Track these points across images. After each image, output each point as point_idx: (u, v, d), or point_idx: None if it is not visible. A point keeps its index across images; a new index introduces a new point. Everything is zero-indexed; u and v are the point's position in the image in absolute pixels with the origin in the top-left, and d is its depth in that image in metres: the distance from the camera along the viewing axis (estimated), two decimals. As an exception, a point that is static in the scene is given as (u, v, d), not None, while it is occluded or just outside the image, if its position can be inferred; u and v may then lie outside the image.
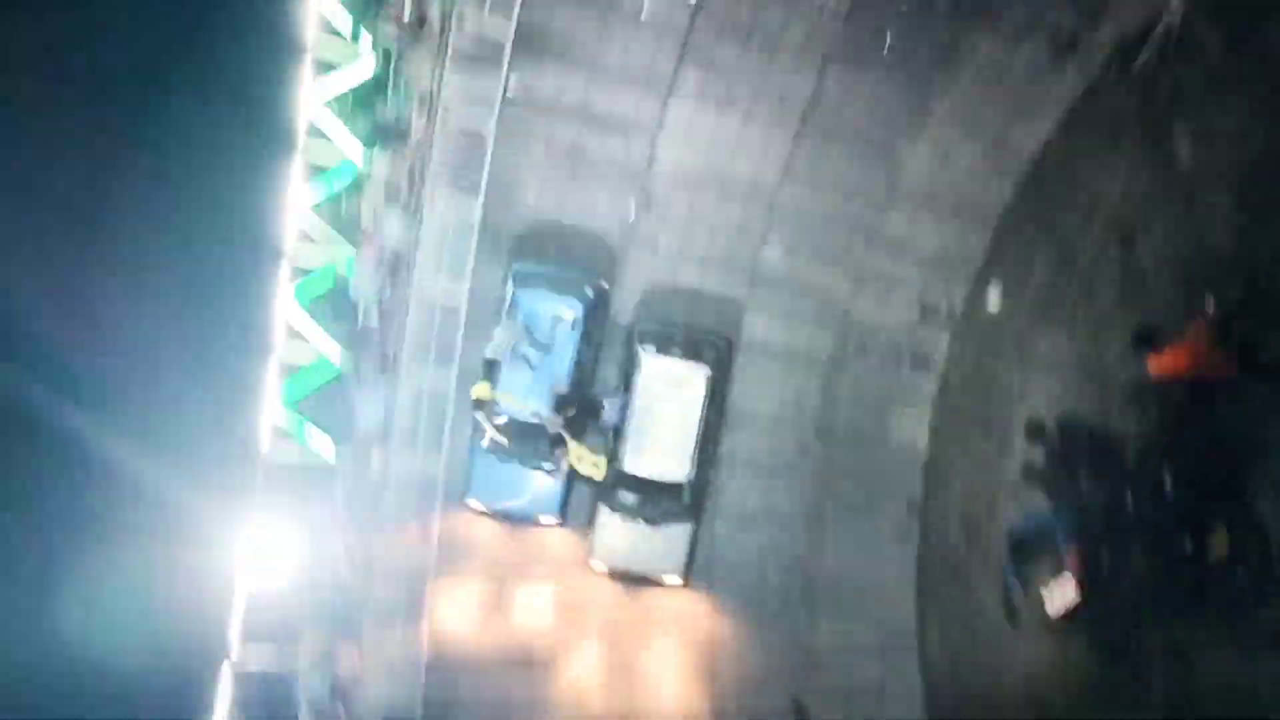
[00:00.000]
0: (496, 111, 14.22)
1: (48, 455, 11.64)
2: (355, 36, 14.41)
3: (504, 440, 14.62)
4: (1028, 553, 12.78)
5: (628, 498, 14.78)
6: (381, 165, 14.76)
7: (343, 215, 14.81)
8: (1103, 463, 11.62)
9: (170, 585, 12.17)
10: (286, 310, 13.74)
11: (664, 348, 14.79)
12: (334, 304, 14.69)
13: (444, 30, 13.96)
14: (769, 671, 15.17)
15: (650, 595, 15.29)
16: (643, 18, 13.87)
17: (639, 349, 14.81)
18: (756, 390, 15.53)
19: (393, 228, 14.70)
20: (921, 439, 15.69)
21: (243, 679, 13.23)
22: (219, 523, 12.44)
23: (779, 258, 15.15)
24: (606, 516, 14.94)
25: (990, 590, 14.00)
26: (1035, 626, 12.99)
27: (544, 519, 15.21)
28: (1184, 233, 11.73)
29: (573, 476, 15.04)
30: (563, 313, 14.69)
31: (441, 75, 14.01)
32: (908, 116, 14.38)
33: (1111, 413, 11.64)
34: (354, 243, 14.71)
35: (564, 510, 15.22)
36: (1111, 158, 12.85)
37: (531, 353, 14.52)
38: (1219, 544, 10.19)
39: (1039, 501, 12.93)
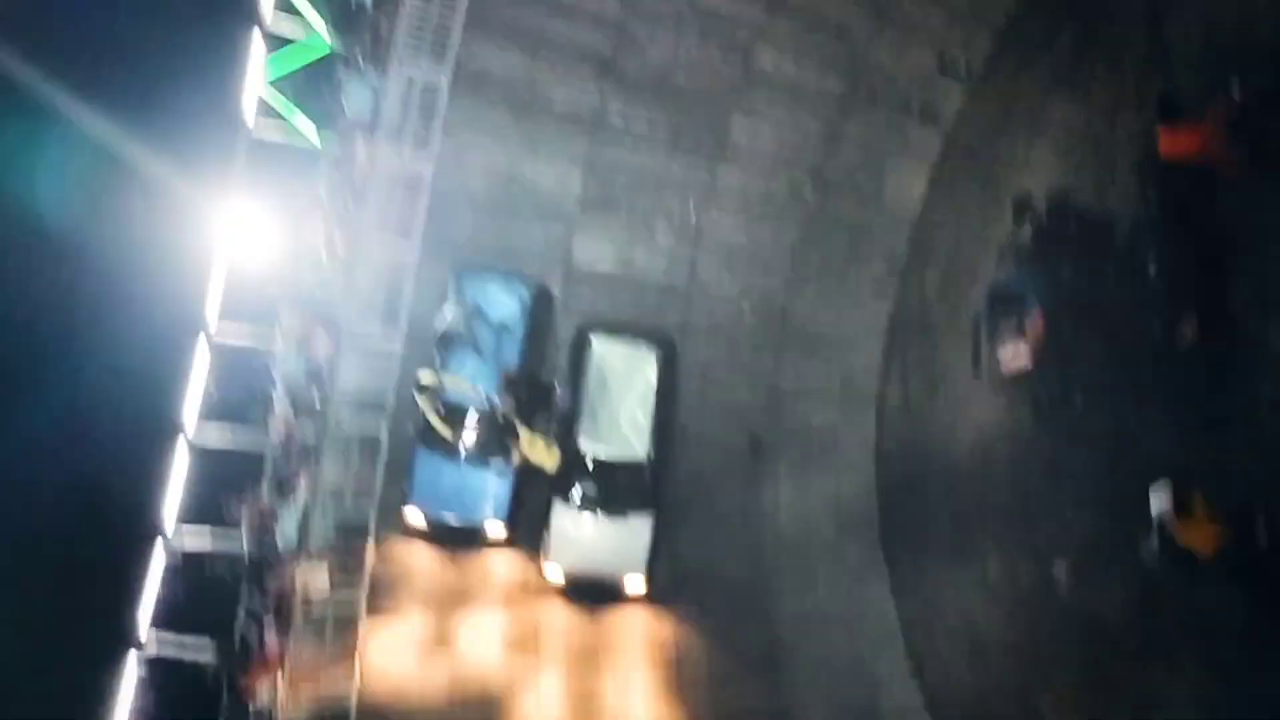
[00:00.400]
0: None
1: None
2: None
3: (449, 432, 13.95)
4: (1000, 310, 12.90)
5: (585, 487, 14.31)
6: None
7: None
8: (1090, 239, 11.56)
9: (149, 256, 12.28)
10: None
11: (613, 333, 14.82)
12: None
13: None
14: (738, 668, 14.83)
15: (611, 615, 14.72)
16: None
17: (589, 335, 14.76)
18: (757, 126, 15.13)
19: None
20: (915, 196, 15.51)
21: (220, 352, 13.62)
22: (200, 195, 12.35)
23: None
24: (562, 512, 14.34)
25: (955, 349, 14.33)
26: (991, 384, 13.43)
27: (491, 527, 14.48)
28: (1219, 12, 11.11)
29: (522, 477, 14.42)
30: (510, 299, 14.48)
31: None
32: None
33: (1110, 190, 11.46)
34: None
35: (513, 518, 14.52)
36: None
37: (481, 333, 14.14)
38: (1188, 331, 10.32)
39: (1021, 268, 12.98)
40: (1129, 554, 10.98)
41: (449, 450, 14.02)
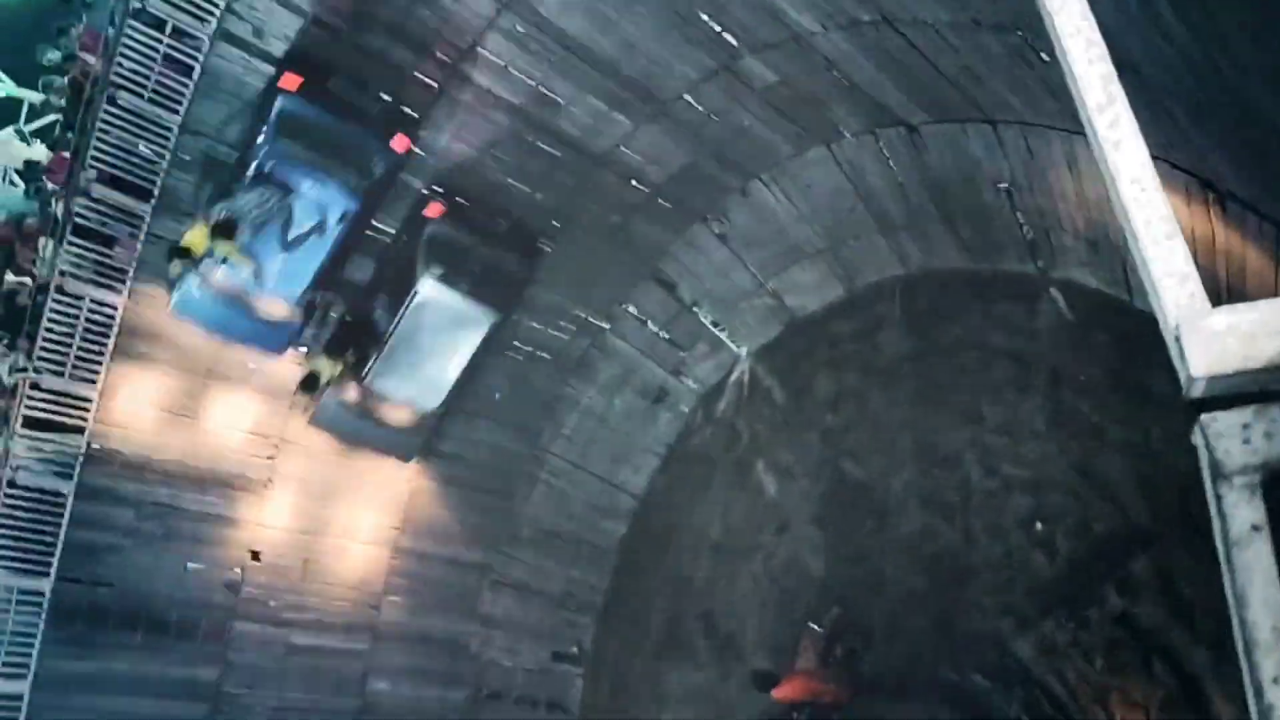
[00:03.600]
0: None
1: None
2: None
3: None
4: None
5: (348, 417, 12.65)
6: None
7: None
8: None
9: None
10: None
11: (452, 278, 12.05)
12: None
13: None
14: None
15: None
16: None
17: (423, 271, 11.98)
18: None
19: None
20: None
21: None
22: None
23: (402, 616, 14.48)
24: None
25: None
26: None
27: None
28: (780, 558, 12.86)
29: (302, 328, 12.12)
30: (331, 199, 11.30)
31: None
32: (523, 464, 14.86)
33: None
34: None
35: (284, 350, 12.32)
36: (708, 493, 14.06)
37: (282, 229, 11.26)
38: None
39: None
40: None
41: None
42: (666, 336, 14.16)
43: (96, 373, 11.47)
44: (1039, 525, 9.86)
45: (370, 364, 12.27)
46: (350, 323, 12.60)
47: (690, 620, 13.76)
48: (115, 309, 11.48)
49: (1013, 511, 10.17)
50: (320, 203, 11.21)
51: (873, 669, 10.72)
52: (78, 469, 11.44)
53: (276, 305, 11.67)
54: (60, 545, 11.35)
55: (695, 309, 13.99)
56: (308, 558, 13.44)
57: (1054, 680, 9.18)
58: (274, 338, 12.08)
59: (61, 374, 11.21)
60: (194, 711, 12.51)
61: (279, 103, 10.67)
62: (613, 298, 13.87)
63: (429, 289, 11.93)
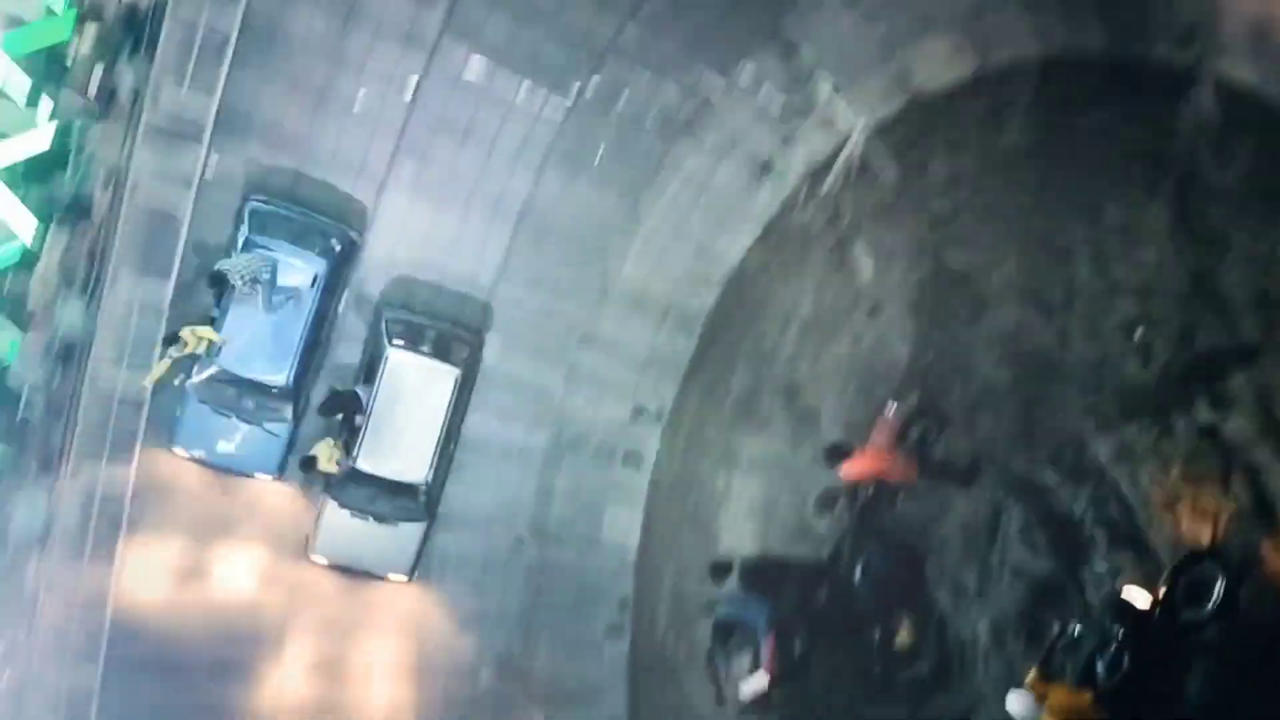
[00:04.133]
0: (194, 192, 13.24)
1: None
2: (32, 103, 13.04)
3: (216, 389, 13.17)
4: (730, 640, 13.06)
5: (359, 494, 13.88)
6: (58, 244, 13.29)
7: (3, 295, 13.19)
8: (798, 561, 12.19)
9: None
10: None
11: (413, 343, 13.95)
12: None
13: (135, 104, 12.89)
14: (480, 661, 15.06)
15: (370, 589, 14.61)
16: (356, 109, 13.49)
17: (386, 343, 13.87)
18: (471, 490, 15.15)
19: (67, 312, 13.21)
20: (633, 536, 15.92)
21: None
22: None
23: (495, 355, 14.99)
24: (334, 512, 13.95)
25: (697, 682, 14.25)
26: (737, 710, 13.33)
27: (261, 476, 14.00)
28: (868, 341, 12.77)
29: (295, 436, 13.88)
30: (303, 266, 13.35)
31: (131, 151, 12.85)
32: (620, 223, 14.83)
33: (807, 511, 12.28)
34: (20, 326, 13.11)
35: (282, 468, 13.98)
36: (803, 270, 13.87)
37: (266, 294, 13.00)
38: (903, 634, 10.89)
39: (740, 595, 13.36)
40: None
41: (222, 404, 13.25)
42: (781, 102, 13.57)
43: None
44: (1140, 331, 9.49)
45: (358, 442, 13.69)
46: (338, 404, 13.85)
47: (770, 392, 13.91)
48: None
49: (1116, 314, 9.78)
50: (294, 267, 13.07)
51: (943, 455, 10.79)
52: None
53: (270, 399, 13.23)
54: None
55: (815, 74, 13.30)
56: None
57: (1126, 483, 9.10)
58: (270, 456, 13.69)
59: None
60: None
61: (250, 205, 13.15)
62: (729, 54, 13.26)
63: (396, 357, 13.75)
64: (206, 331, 12.74)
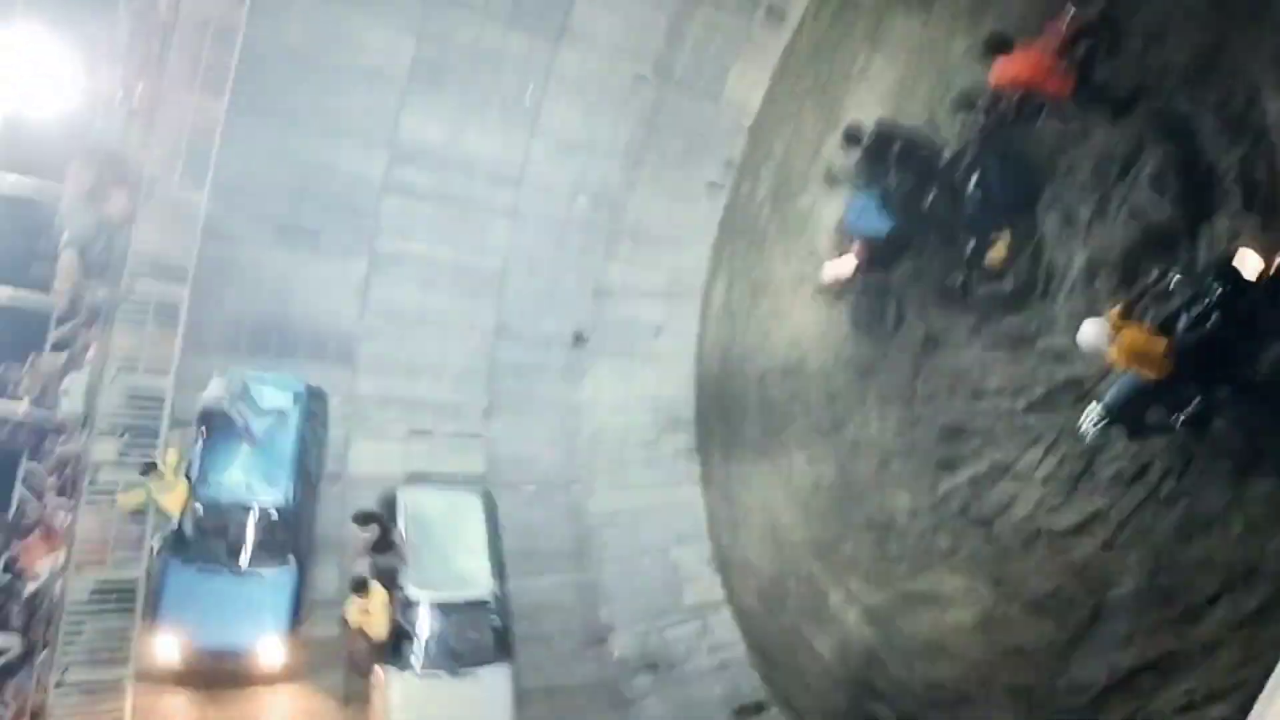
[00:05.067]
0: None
1: None
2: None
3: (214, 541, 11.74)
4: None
5: (422, 646, 11.79)
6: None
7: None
8: (914, 157, 11.82)
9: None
10: None
11: (421, 484, 13.71)
12: None
13: None
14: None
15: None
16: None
17: (394, 491, 13.25)
18: (600, 10, 14.65)
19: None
20: (756, 98, 15.55)
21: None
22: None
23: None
24: (400, 682, 11.57)
25: (780, 255, 14.62)
26: (812, 292, 13.80)
27: (266, 649, 11.72)
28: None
29: (303, 575, 12.32)
30: (280, 397, 12.70)
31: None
32: None
33: (942, 107, 11.71)
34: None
35: (295, 627, 12.00)
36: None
37: (253, 419, 12.09)
38: (998, 249, 10.79)
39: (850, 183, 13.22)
40: (924, 458, 11.69)
41: (212, 560, 11.65)
42: None
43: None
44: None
45: (402, 577, 12.14)
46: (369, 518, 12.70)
47: None
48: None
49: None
50: (275, 393, 12.51)
51: (1106, 78, 9.94)
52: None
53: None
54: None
55: None
56: None
57: (1285, 150, 8.42)
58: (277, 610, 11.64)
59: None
60: None
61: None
62: None
63: (407, 495, 13.02)
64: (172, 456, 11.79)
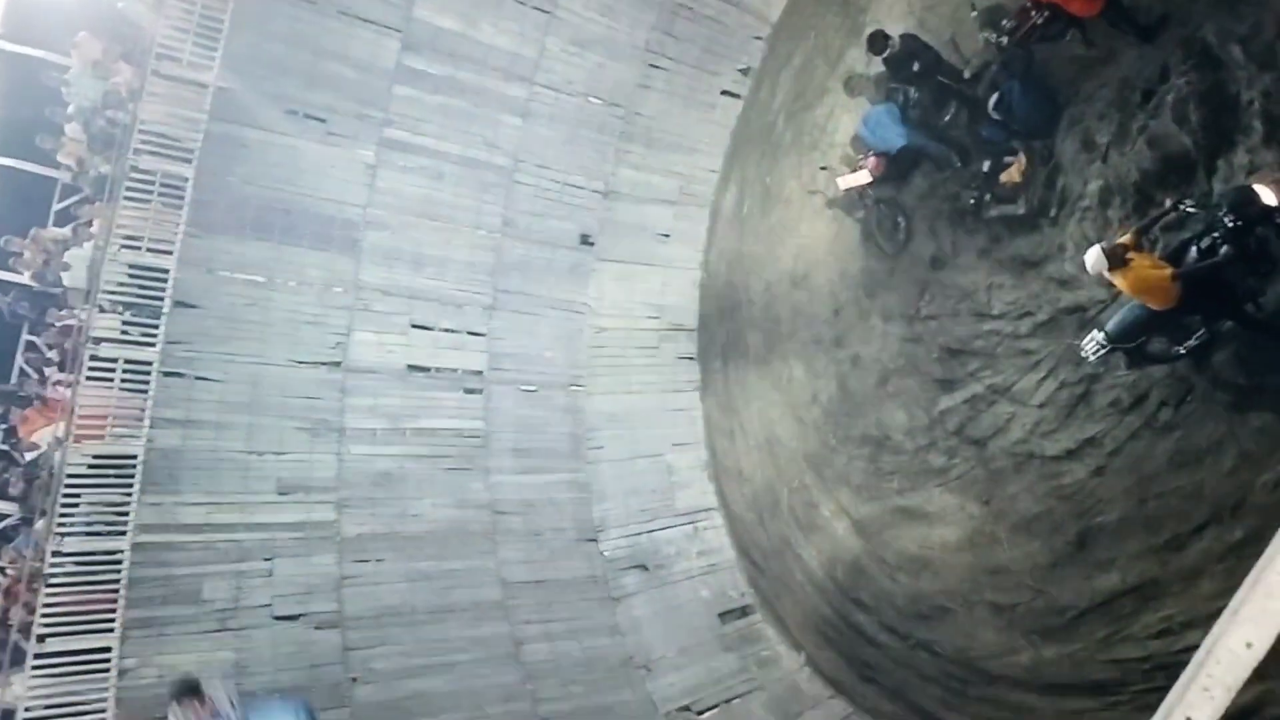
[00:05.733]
0: None
1: None
2: None
3: None
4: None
5: None
6: None
7: None
8: (936, 71, 11.61)
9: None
10: None
11: None
12: None
13: None
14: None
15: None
16: None
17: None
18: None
19: None
20: (777, 5, 15.23)
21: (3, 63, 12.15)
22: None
23: None
24: None
25: (793, 165, 14.48)
26: (824, 202, 13.72)
27: None
28: None
29: None
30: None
31: None
32: None
33: (968, 21, 11.44)
34: None
35: None
36: None
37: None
38: (1013, 170, 10.69)
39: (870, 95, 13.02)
40: (923, 376, 11.76)
41: None
42: None
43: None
44: None
45: None
46: None
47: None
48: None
49: None
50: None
51: (1132, 1, 9.73)
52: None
53: None
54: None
55: None
56: None
57: (1313, 84, 8.27)
58: None
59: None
60: None
61: None
62: None
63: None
64: None
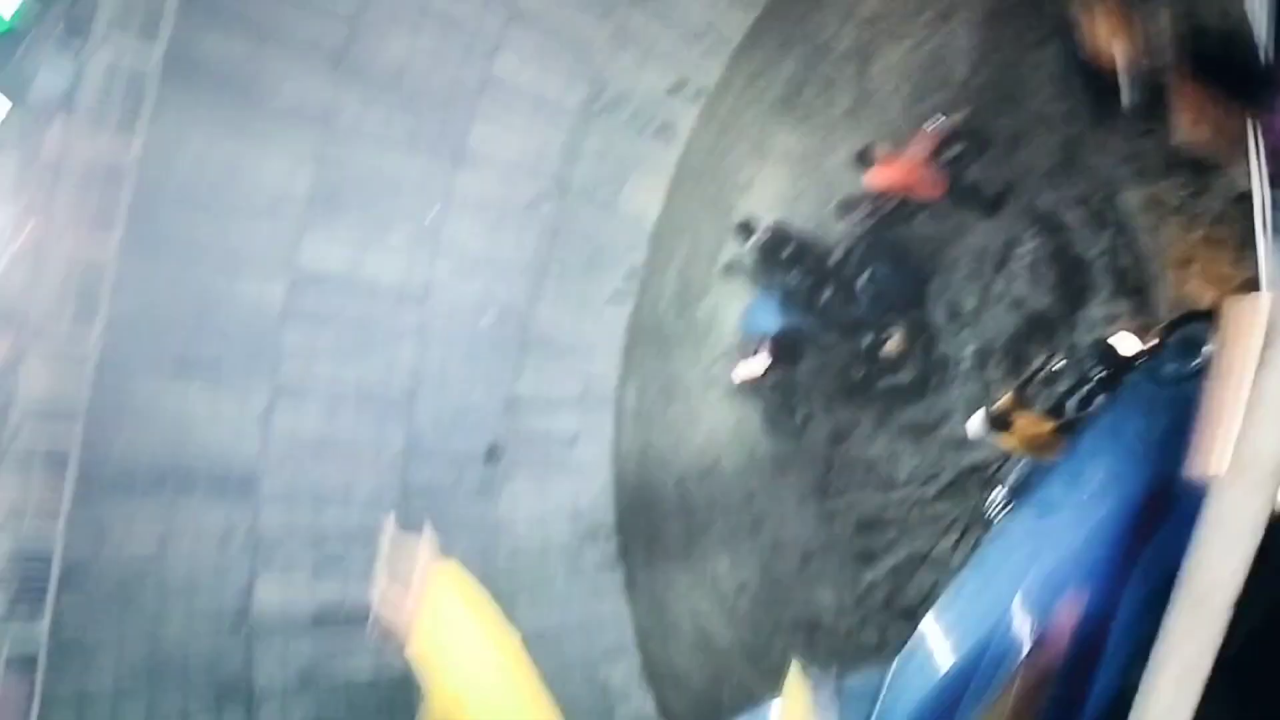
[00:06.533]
0: None
1: None
2: None
3: None
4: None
5: None
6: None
7: None
8: (806, 261, 12.23)
9: None
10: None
11: None
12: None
13: None
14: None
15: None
16: None
17: None
18: (497, 131, 14.95)
19: None
20: (653, 209, 15.96)
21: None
22: None
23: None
24: None
25: (686, 358, 14.82)
26: (721, 392, 13.98)
27: None
28: (929, 48, 12.06)
29: None
30: None
31: None
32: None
33: (827, 212, 12.17)
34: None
35: None
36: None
37: None
38: (894, 344, 11.14)
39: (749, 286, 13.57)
40: (843, 552, 11.76)
41: None
42: None
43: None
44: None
45: None
46: None
47: (816, 85, 13.37)
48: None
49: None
50: None
51: (975, 179, 10.51)
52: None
53: None
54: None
55: None
56: None
57: (1146, 237, 8.93)
58: None
59: None
60: None
61: None
62: None
63: None
64: None
